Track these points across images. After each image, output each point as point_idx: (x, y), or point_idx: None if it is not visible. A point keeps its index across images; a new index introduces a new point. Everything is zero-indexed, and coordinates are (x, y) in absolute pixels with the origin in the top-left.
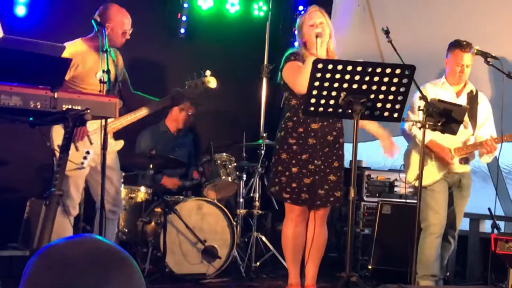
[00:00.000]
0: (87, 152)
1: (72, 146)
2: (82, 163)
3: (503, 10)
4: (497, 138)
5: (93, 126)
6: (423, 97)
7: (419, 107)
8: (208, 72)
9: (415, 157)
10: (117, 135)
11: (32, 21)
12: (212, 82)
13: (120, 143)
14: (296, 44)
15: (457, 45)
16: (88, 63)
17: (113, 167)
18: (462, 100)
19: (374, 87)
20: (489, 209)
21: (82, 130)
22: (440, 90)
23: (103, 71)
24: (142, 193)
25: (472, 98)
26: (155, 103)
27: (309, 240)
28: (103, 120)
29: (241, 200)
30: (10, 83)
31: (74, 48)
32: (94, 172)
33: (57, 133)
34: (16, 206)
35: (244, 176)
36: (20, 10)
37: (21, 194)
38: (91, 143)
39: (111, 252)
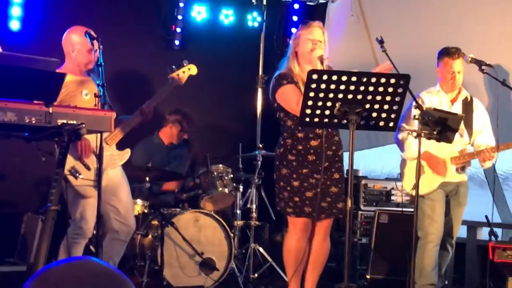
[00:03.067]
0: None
1: (83, 166)
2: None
3: (497, 18)
4: (493, 148)
5: (95, 141)
6: (418, 106)
7: (414, 116)
8: (186, 62)
9: (410, 166)
10: (122, 145)
11: (26, 36)
12: (192, 69)
13: (127, 153)
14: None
15: (446, 53)
16: (71, 87)
17: (122, 185)
18: (457, 107)
19: (369, 97)
20: (486, 216)
21: (87, 147)
22: (435, 98)
23: (98, 85)
24: (138, 206)
25: (467, 105)
26: (125, 122)
27: (312, 252)
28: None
29: (238, 211)
30: (5, 99)
31: None
32: (104, 192)
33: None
34: (13, 221)
35: (241, 187)
36: (15, 25)
37: (18, 209)
38: None
39: (109, 276)
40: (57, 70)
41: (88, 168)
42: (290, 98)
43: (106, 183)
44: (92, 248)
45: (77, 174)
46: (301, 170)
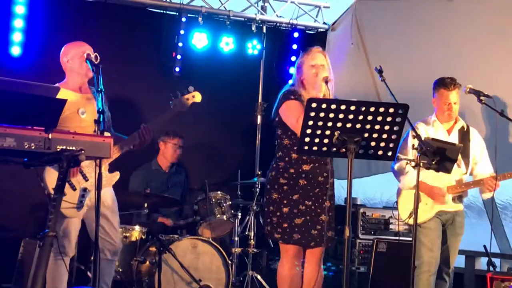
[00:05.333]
0: (84, 190)
1: (68, 186)
2: (81, 201)
3: (496, 49)
4: (493, 177)
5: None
6: (416, 136)
7: (413, 145)
8: (191, 88)
9: (406, 195)
10: (112, 167)
11: (27, 61)
12: (197, 97)
13: (116, 175)
14: (290, 81)
15: (441, 84)
16: (71, 104)
17: (110, 205)
18: (454, 137)
19: (368, 126)
20: (484, 246)
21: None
22: (431, 128)
23: (98, 110)
24: (136, 232)
25: (464, 135)
26: (123, 142)
27: (306, 281)
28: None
29: (236, 238)
30: (4, 125)
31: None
32: (90, 211)
33: (50, 177)
34: (10, 246)
35: (239, 214)
36: (16, 50)
37: (15, 234)
38: (86, 180)
39: None
40: (57, 85)
41: (73, 188)
42: (292, 113)
43: (91, 203)
44: (89, 274)
45: None
46: (292, 196)
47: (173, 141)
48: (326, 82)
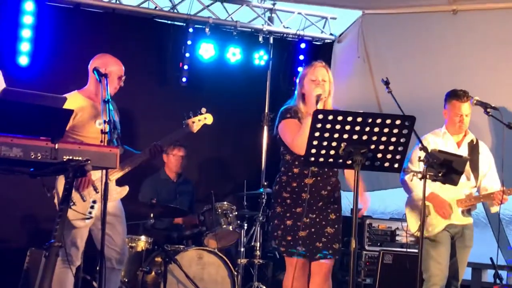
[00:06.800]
0: (94, 202)
1: (79, 197)
2: (90, 212)
3: (502, 61)
4: (501, 191)
5: (96, 174)
6: (423, 148)
7: (419, 157)
8: (204, 110)
9: (415, 208)
10: (121, 181)
11: (34, 71)
12: (208, 119)
13: (125, 189)
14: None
15: (454, 96)
16: (87, 112)
17: (117, 215)
18: (463, 150)
19: (375, 138)
20: (491, 258)
21: (87, 179)
22: (441, 140)
23: (104, 121)
24: (142, 242)
25: (473, 148)
26: (134, 157)
27: None
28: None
29: (242, 249)
30: (11, 135)
31: (72, 100)
32: (98, 221)
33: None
34: (16, 256)
35: (245, 225)
36: (23, 60)
37: (22, 243)
38: (96, 192)
39: None
40: (79, 91)
41: (83, 199)
42: (288, 133)
43: (99, 213)
44: (94, 284)
45: (71, 203)
46: (295, 209)
47: (174, 151)
48: (317, 101)
